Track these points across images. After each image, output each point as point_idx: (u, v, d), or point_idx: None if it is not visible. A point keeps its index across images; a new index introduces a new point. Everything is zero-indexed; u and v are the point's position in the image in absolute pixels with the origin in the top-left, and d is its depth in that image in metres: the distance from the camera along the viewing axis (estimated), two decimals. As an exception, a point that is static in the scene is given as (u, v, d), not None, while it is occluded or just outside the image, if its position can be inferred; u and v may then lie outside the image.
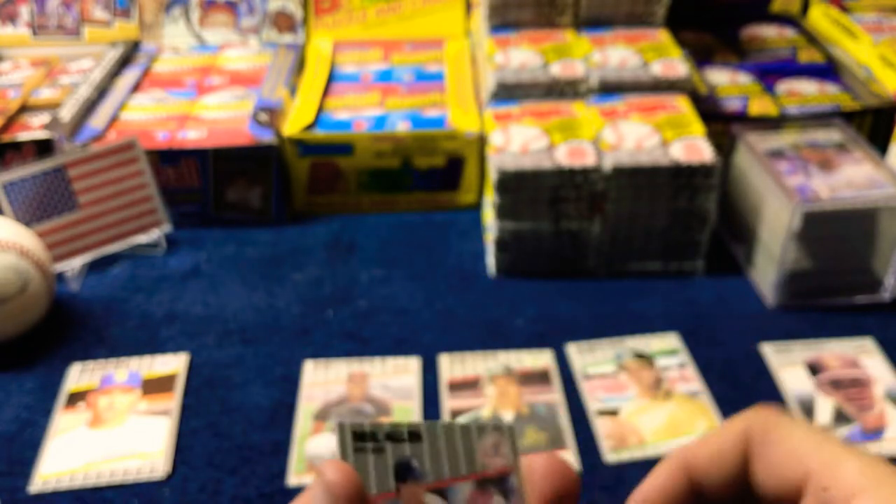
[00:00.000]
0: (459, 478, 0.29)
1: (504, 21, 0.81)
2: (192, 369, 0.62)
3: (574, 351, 0.62)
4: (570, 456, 0.55)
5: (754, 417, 0.26)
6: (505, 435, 0.28)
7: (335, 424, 0.29)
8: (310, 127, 0.77)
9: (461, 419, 0.57)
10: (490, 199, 0.69)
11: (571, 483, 0.26)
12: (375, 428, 0.28)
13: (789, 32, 0.92)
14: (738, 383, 0.60)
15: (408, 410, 0.58)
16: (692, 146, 0.67)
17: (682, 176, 0.66)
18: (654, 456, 0.54)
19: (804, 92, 0.80)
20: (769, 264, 0.66)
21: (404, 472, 0.28)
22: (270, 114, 0.78)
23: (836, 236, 0.66)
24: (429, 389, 0.60)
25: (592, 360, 0.61)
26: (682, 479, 0.26)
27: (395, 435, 0.28)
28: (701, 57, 0.86)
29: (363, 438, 0.28)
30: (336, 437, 0.28)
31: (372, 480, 0.28)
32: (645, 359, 0.62)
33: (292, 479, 0.53)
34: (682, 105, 0.72)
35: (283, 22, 0.95)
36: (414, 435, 0.28)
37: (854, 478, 0.24)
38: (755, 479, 0.26)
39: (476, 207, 0.79)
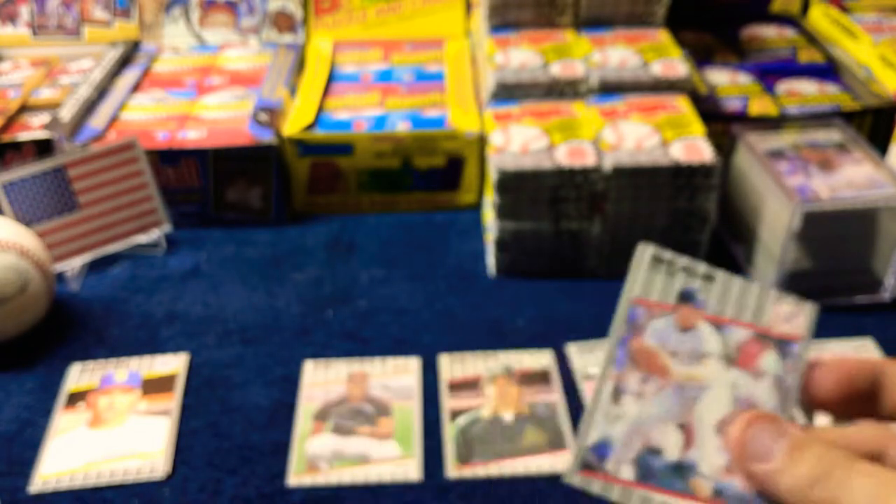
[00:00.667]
0: (740, 322, 0.32)
1: (504, 21, 0.81)
2: (192, 369, 0.62)
3: (574, 351, 0.62)
4: (570, 456, 0.54)
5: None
6: (805, 311, 0.32)
7: (638, 248, 0.34)
8: (310, 127, 0.77)
9: None
10: (490, 199, 0.69)
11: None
12: (674, 258, 0.33)
13: (789, 32, 0.92)
14: (738, 383, 0.60)
15: (408, 410, 0.58)
16: (692, 146, 0.67)
17: (682, 176, 0.66)
18: (654, 456, 0.54)
19: (804, 92, 0.80)
20: (769, 264, 0.66)
21: (687, 297, 0.33)
22: (270, 114, 0.78)
23: (836, 236, 0.66)
24: (429, 389, 0.60)
25: (592, 360, 0.61)
26: (868, 367, 0.30)
27: (691, 269, 0.33)
28: (701, 57, 0.86)
29: (660, 262, 0.33)
30: (635, 257, 0.33)
31: (655, 292, 0.33)
32: (645, 359, 0.62)
33: (292, 479, 0.53)
34: (682, 105, 0.72)
35: (283, 22, 0.95)
36: (709, 277, 0.33)
37: None
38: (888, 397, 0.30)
39: (476, 207, 0.79)
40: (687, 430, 0.31)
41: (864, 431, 0.29)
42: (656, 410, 0.32)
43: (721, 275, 0.33)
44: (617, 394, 0.32)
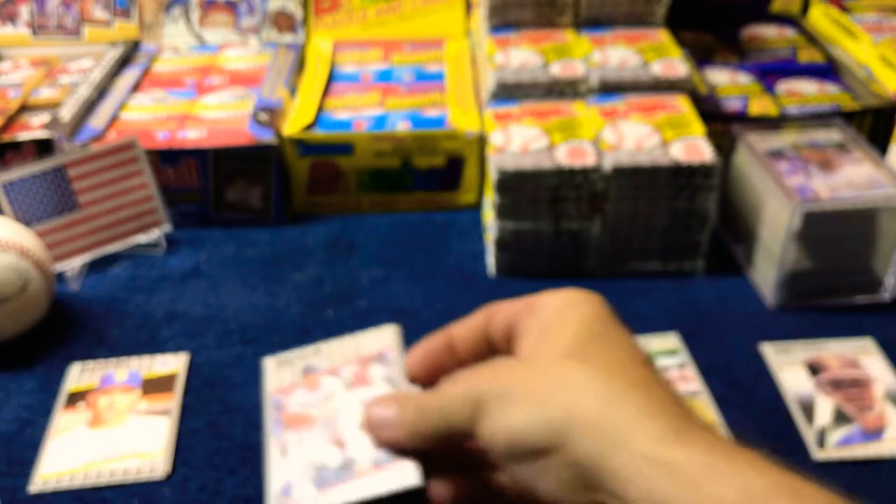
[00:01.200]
0: (348, 362, 0.46)
1: (504, 21, 0.81)
2: (192, 369, 0.62)
3: None
4: None
5: (489, 306, 0.41)
6: (391, 330, 0.46)
7: (263, 361, 0.47)
8: (310, 127, 0.77)
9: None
10: (490, 199, 0.69)
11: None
12: (290, 355, 0.47)
13: (789, 32, 0.92)
14: (738, 383, 0.60)
15: (408, 410, 0.58)
16: (692, 146, 0.67)
17: (682, 176, 0.66)
18: (654, 456, 0.54)
19: (804, 92, 0.80)
20: (769, 264, 0.66)
21: (308, 370, 0.46)
22: (270, 114, 0.78)
23: (836, 236, 0.66)
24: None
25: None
26: (442, 340, 0.41)
27: (304, 354, 0.47)
28: (701, 57, 0.86)
29: (282, 362, 0.47)
30: (263, 371, 0.46)
31: (285, 380, 0.46)
32: (645, 359, 0.62)
33: (292, 479, 0.53)
34: (682, 105, 0.72)
35: (283, 22, 0.95)
36: (318, 350, 0.47)
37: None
38: (490, 333, 0.40)
39: (476, 207, 0.79)
40: (340, 442, 0.42)
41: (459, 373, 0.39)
42: (314, 444, 0.42)
43: (325, 345, 0.47)
44: (283, 451, 0.43)
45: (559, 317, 0.39)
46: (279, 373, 0.48)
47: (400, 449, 0.39)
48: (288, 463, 0.43)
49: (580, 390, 0.34)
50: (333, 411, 0.44)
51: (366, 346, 0.47)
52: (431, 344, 0.41)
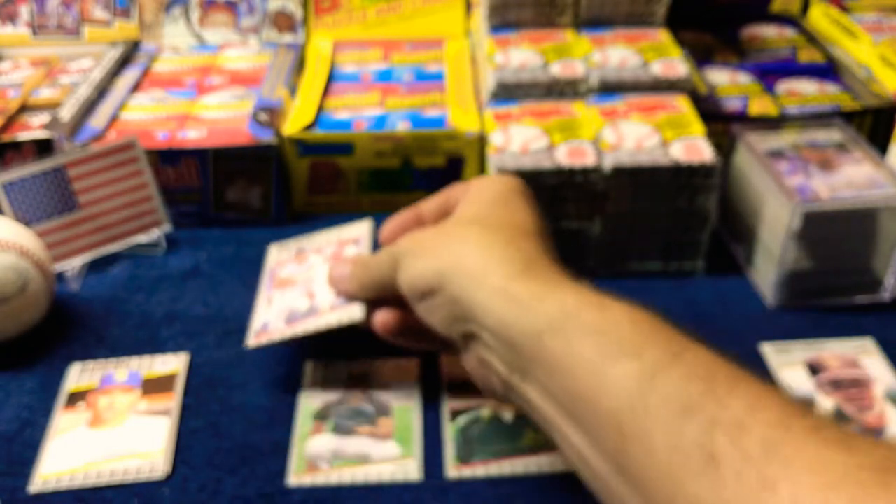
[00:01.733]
0: (331, 243, 0.62)
1: (504, 21, 0.81)
2: (192, 369, 0.62)
3: None
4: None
5: (450, 187, 0.53)
6: (366, 223, 0.62)
7: (269, 248, 0.66)
8: (310, 127, 0.77)
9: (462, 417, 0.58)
10: (490, 199, 0.69)
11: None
12: (290, 242, 0.65)
13: (789, 32, 0.92)
14: (738, 383, 0.60)
15: (408, 410, 0.58)
16: (692, 146, 0.67)
17: (682, 176, 0.66)
18: (654, 456, 0.54)
19: (804, 92, 0.80)
20: (769, 264, 0.66)
21: (300, 251, 0.63)
22: (270, 113, 0.78)
23: (836, 236, 0.66)
24: (429, 389, 0.60)
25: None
26: (413, 212, 0.54)
27: (300, 241, 0.64)
28: (701, 57, 0.86)
29: (282, 247, 0.65)
30: (267, 254, 0.65)
31: (283, 256, 0.64)
32: (645, 359, 0.61)
33: (292, 479, 0.53)
34: (682, 105, 0.72)
35: (283, 22, 0.95)
36: (310, 238, 0.64)
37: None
38: (447, 208, 0.52)
39: (476, 207, 0.79)
40: (311, 295, 0.57)
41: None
42: (291, 297, 0.58)
43: (316, 234, 0.64)
44: (268, 301, 0.59)
45: (478, 194, 0.50)
46: (279, 254, 0.64)
47: (352, 297, 0.54)
48: (270, 309, 0.59)
49: (464, 244, 0.45)
50: (311, 277, 0.58)
51: (346, 234, 0.62)
52: (404, 215, 0.53)
